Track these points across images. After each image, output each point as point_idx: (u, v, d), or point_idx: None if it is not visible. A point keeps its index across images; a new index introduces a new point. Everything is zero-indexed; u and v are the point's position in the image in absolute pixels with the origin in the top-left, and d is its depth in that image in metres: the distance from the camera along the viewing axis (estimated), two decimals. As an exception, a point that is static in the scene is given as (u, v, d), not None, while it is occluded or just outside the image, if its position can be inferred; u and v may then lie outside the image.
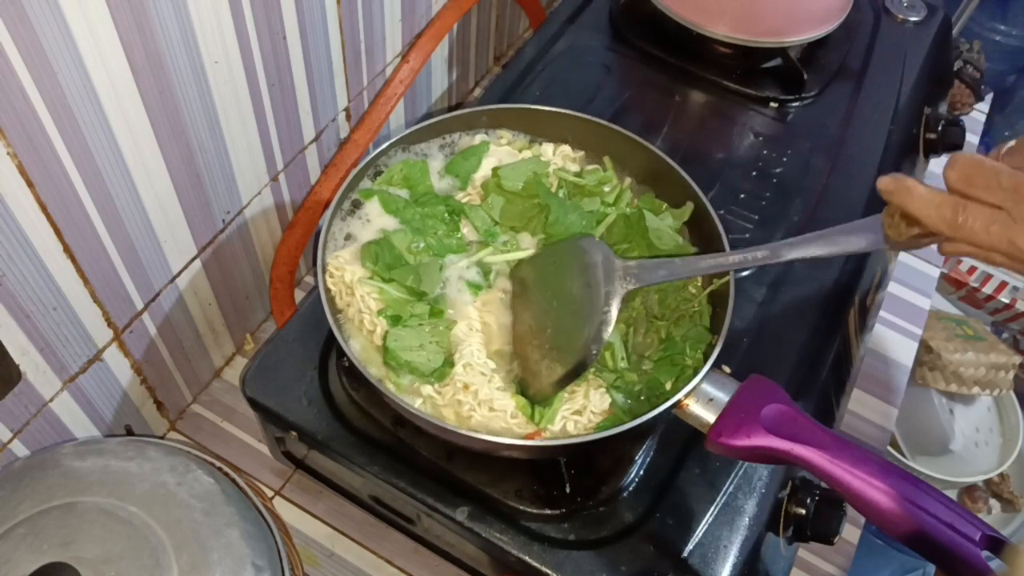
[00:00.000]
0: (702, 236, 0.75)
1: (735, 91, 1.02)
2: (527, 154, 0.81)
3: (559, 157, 0.81)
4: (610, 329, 0.63)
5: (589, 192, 0.78)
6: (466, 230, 0.76)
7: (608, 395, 0.66)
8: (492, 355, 0.69)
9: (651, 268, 0.66)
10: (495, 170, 0.77)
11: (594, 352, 0.63)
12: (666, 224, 0.75)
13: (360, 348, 0.69)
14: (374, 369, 0.68)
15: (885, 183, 0.55)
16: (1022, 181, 0.48)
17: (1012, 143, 0.52)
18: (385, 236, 0.72)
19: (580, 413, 0.66)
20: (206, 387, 0.93)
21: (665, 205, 0.77)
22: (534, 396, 0.65)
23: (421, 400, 0.67)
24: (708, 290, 0.72)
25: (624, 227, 0.75)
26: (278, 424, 0.74)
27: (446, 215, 0.75)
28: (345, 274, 0.70)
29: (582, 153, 0.82)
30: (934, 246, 0.56)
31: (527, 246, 0.75)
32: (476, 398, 0.65)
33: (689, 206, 0.75)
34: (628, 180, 0.80)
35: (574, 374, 0.63)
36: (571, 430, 0.66)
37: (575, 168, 0.81)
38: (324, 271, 0.70)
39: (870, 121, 1.01)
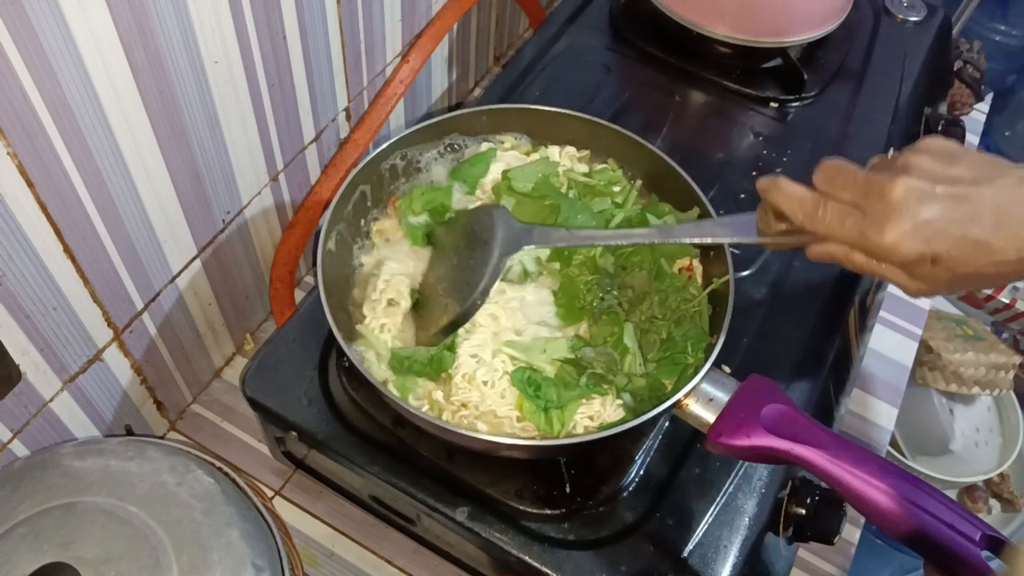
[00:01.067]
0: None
1: (735, 91, 1.02)
2: (534, 157, 0.81)
3: (566, 158, 0.81)
4: (496, 283, 0.66)
5: (599, 192, 0.78)
6: None
7: (620, 410, 0.67)
8: (500, 349, 0.69)
9: (547, 233, 0.70)
10: (505, 173, 0.77)
11: (478, 303, 0.65)
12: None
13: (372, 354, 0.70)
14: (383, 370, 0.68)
15: (762, 183, 0.59)
16: (874, 180, 0.53)
17: (876, 159, 0.57)
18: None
19: (593, 419, 0.66)
20: (206, 387, 0.93)
21: (669, 208, 0.77)
22: (421, 340, 0.68)
23: (427, 407, 0.67)
24: (708, 290, 0.72)
25: (628, 228, 0.75)
26: (278, 424, 0.74)
27: None
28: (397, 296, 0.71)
29: (587, 152, 0.82)
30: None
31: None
32: (478, 411, 0.66)
33: (695, 211, 0.75)
34: (639, 181, 0.80)
35: (457, 323, 0.66)
36: (581, 432, 0.66)
37: (583, 168, 0.81)
38: (326, 275, 0.70)
39: (870, 121, 1.01)
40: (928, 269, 0.52)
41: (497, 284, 0.70)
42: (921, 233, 0.51)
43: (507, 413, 0.66)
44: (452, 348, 0.68)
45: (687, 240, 0.69)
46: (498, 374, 0.67)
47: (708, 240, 0.68)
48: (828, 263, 0.58)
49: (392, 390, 0.67)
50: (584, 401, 0.66)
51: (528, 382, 0.66)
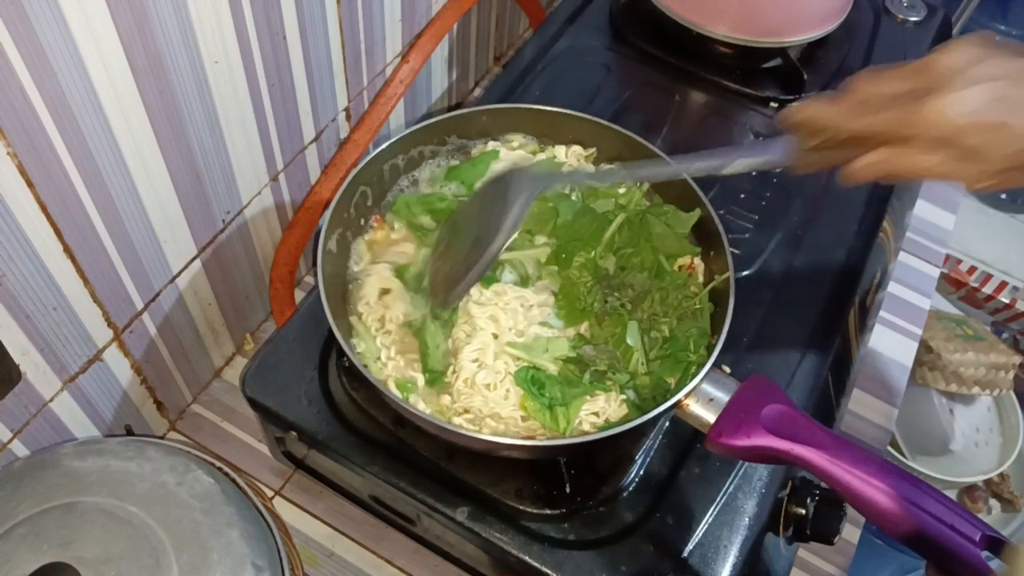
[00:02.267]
0: (703, 236, 0.75)
1: (735, 91, 1.02)
2: (540, 157, 0.81)
3: (572, 158, 0.81)
4: (518, 224, 0.63)
5: (603, 194, 0.78)
6: None
7: (624, 406, 0.67)
8: (503, 350, 0.69)
9: (550, 175, 0.69)
10: None
11: (502, 243, 0.63)
12: (668, 227, 0.75)
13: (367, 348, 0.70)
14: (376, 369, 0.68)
15: (784, 112, 0.58)
16: (914, 64, 0.52)
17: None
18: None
19: (598, 415, 0.66)
20: (206, 387, 0.93)
21: (672, 209, 0.77)
22: (434, 303, 0.67)
23: (431, 410, 0.68)
24: (709, 287, 0.72)
25: (628, 231, 0.75)
26: (278, 424, 0.74)
27: None
28: (387, 314, 0.71)
29: (593, 151, 0.82)
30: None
31: (546, 248, 0.75)
32: (481, 415, 0.66)
33: (696, 212, 0.75)
34: (645, 184, 0.80)
35: (472, 280, 0.64)
36: (587, 429, 0.66)
37: (589, 168, 0.81)
38: (326, 278, 0.71)
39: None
40: (990, 142, 0.49)
41: (498, 284, 0.70)
42: (967, 99, 0.49)
43: (511, 414, 0.66)
44: (451, 321, 0.69)
45: (712, 168, 0.63)
46: (500, 376, 0.67)
47: (738, 167, 0.62)
48: (870, 180, 0.55)
49: (393, 390, 0.67)
50: (588, 398, 0.66)
51: (532, 381, 0.66)
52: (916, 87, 0.51)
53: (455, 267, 0.67)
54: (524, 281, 0.73)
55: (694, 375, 0.64)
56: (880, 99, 0.52)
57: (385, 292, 0.72)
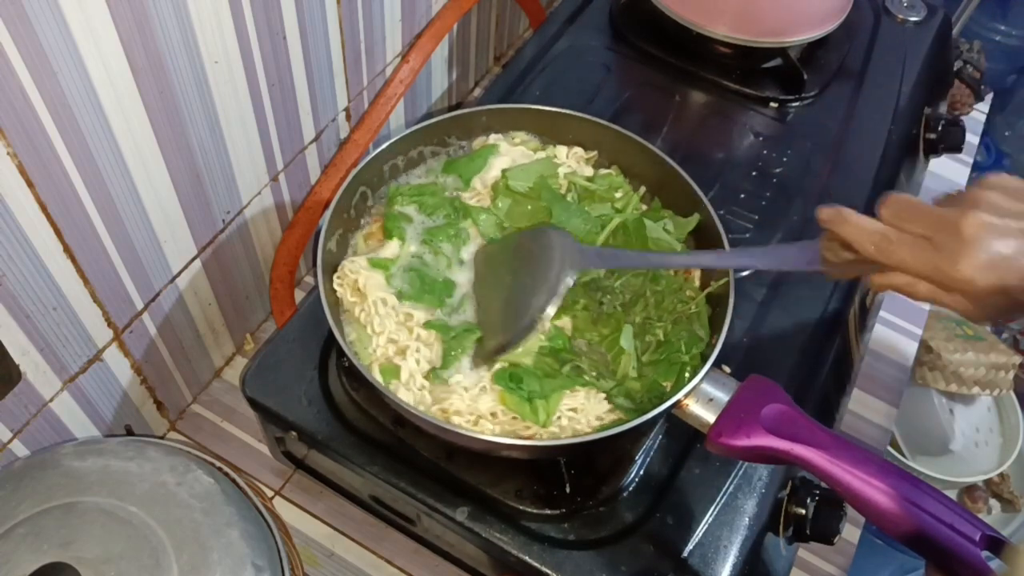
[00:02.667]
0: (703, 236, 0.75)
1: (735, 91, 1.02)
2: (541, 155, 0.81)
3: (572, 159, 0.81)
4: (557, 301, 0.64)
5: (599, 197, 0.77)
6: (473, 231, 0.76)
7: (603, 403, 0.67)
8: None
9: (604, 254, 0.70)
10: (504, 171, 0.77)
11: (537, 321, 0.64)
12: (666, 232, 0.74)
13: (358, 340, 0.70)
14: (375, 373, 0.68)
15: (825, 212, 0.59)
16: (945, 215, 0.54)
17: (942, 195, 0.57)
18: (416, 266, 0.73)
19: (576, 411, 0.66)
20: (206, 387, 0.93)
21: (669, 214, 0.77)
22: (479, 360, 0.68)
23: (416, 396, 0.67)
24: (706, 292, 0.72)
25: (624, 235, 0.75)
26: (278, 424, 0.74)
27: (452, 213, 0.76)
28: (359, 278, 0.70)
29: (595, 154, 0.82)
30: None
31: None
32: (462, 417, 0.66)
33: (695, 217, 0.75)
34: (642, 188, 0.80)
35: (514, 342, 0.65)
36: (564, 424, 0.66)
37: (589, 171, 0.81)
38: (326, 272, 0.70)
39: (870, 121, 1.01)
40: (996, 300, 0.53)
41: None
42: (995, 267, 0.52)
43: (491, 408, 0.66)
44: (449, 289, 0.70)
45: (754, 265, 0.69)
46: (473, 377, 0.67)
47: (771, 266, 0.69)
48: (889, 291, 0.58)
49: (376, 375, 0.67)
50: (568, 392, 0.66)
51: (509, 378, 0.66)
52: (940, 240, 0.54)
53: (491, 326, 0.68)
54: None
55: (690, 377, 0.64)
56: (912, 236, 0.55)
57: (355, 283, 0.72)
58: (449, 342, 0.68)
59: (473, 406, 0.66)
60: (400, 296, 0.71)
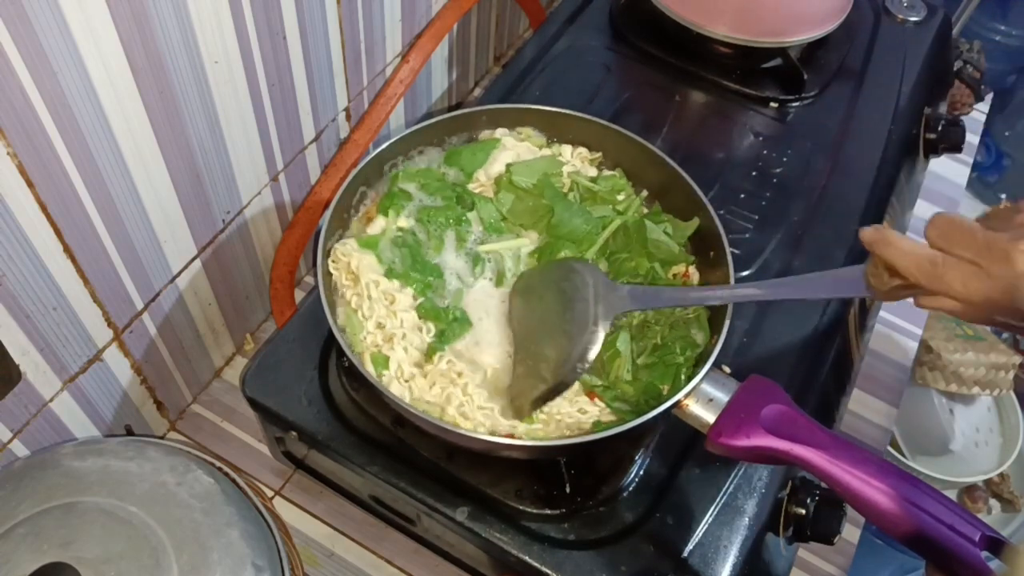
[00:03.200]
0: (702, 236, 0.75)
1: (735, 91, 1.02)
2: (546, 152, 0.81)
3: (577, 159, 0.81)
4: (596, 349, 0.62)
5: (601, 199, 0.77)
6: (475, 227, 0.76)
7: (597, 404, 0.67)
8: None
9: (642, 295, 0.67)
10: (509, 166, 0.77)
11: (578, 371, 0.62)
12: (666, 235, 0.74)
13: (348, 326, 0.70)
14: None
15: (868, 234, 0.57)
16: (995, 239, 0.51)
17: (990, 209, 0.56)
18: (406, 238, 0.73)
19: (570, 403, 0.66)
20: (206, 387, 0.93)
21: (669, 217, 0.77)
22: (515, 411, 0.66)
23: (407, 391, 0.67)
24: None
25: (624, 237, 0.75)
26: (278, 424, 0.74)
27: (454, 201, 0.76)
28: (352, 260, 0.70)
29: (599, 155, 0.82)
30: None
31: (529, 242, 0.75)
32: (465, 393, 0.65)
33: (695, 221, 0.75)
34: (644, 192, 0.80)
35: (555, 392, 0.63)
36: (558, 422, 0.66)
37: (592, 172, 0.81)
38: (326, 257, 0.71)
39: (870, 121, 1.01)
40: None
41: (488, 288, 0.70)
42: None
43: (489, 404, 0.66)
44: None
45: (799, 296, 0.67)
46: (473, 368, 0.67)
47: (823, 296, 0.69)
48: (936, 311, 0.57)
49: (368, 365, 0.67)
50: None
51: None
52: (995, 270, 0.52)
53: (529, 375, 0.66)
54: (499, 279, 0.73)
55: (688, 378, 0.64)
56: (957, 265, 0.53)
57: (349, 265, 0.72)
58: (448, 325, 0.68)
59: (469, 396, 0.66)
60: (390, 274, 0.70)
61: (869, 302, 0.95)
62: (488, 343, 0.70)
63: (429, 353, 0.67)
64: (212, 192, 0.78)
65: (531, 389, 0.64)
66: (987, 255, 0.52)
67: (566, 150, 0.82)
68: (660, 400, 0.64)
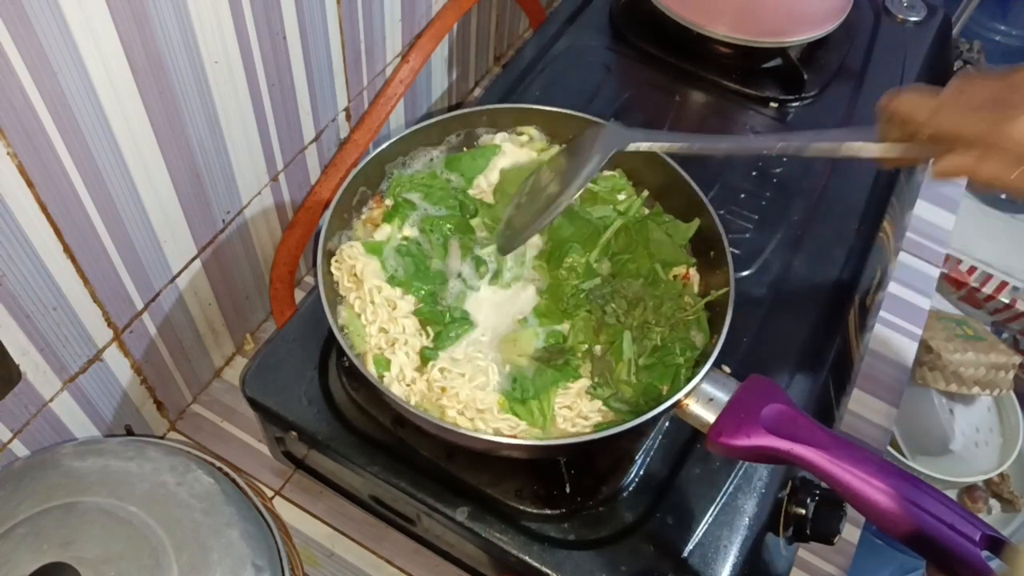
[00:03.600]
0: (702, 236, 0.75)
1: (735, 91, 1.02)
2: (545, 155, 0.81)
3: None
4: (590, 170, 0.65)
5: (601, 199, 0.77)
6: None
7: (598, 400, 0.67)
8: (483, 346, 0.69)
9: (647, 135, 0.69)
10: (503, 171, 0.77)
11: (574, 191, 0.65)
12: (668, 235, 0.75)
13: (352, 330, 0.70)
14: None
15: (883, 99, 0.59)
16: (1014, 76, 0.52)
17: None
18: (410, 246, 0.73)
19: (571, 408, 0.66)
20: (206, 387, 0.93)
21: (670, 218, 0.77)
22: (503, 244, 0.70)
23: (406, 391, 0.67)
24: (705, 300, 0.72)
25: (626, 237, 0.75)
26: (278, 424, 0.74)
27: (458, 210, 0.76)
28: (357, 264, 0.70)
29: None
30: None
31: (532, 244, 0.75)
32: (459, 401, 0.65)
33: (695, 222, 0.75)
34: (645, 192, 0.80)
35: (547, 219, 0.66)
36: (560, 425, 0.66)
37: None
38: (328, 258, 0.71)
39: (870, 121, 1.00)
40: None
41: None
42: None
43: (489, 404, 0.66)
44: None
45: (809, 144, 0.65)
46: (472, 369, 0.67)
47: (828, 152, 0.64)
48: (954, 178, 0.56)
49: (371, 368, 0.67)
50: (561, 391, 0.66)
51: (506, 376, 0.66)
52: (1007, 98, 0.52)
53: (524, 217, 0.69)
54: (498, 276, 0.73)
55: (687, 379, 0.64)
56: (972, 102, 0.53)
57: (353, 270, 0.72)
58: (445, 327, 0.68)
59: (471, 396, 0.66)
60: (392, 281, 0.71)
61: (869, 301, 0.95)
62: (493, 345, 0.70)
63: (423, 360, 0.67)
64: (212, 192, 0.78)
65: (518, 229, 0.68)
66: (1009, 87, 0.52)
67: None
68: (660, 400, 0.64)
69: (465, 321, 0.70)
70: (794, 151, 0.65)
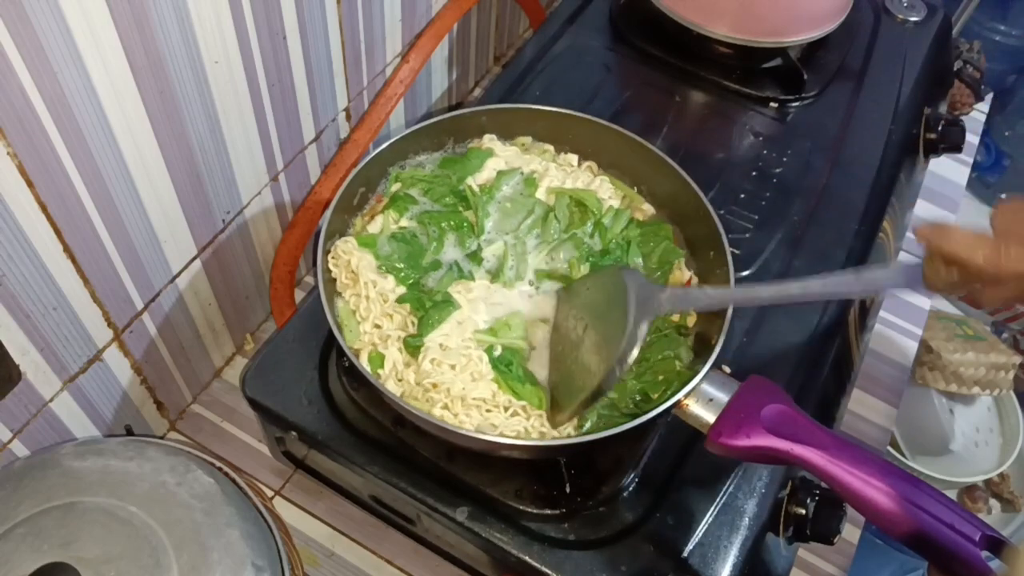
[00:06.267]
0: (702, 236, 0.75)
1: (735, 91, 1.02)
2: (539, 161, 0.81)
3: (566, 166, 0.81)
4: (635, 354, 0.62)
5: (591, 212, 0.77)
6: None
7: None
8: (468, 338, 0.69)
9: (682, 297, 0.68)
10: (500, 173, 0.78)
11: (617, 375, 0.62)
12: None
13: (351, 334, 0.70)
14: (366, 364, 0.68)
15: (923, 230, 0.56)
16: None
17: None
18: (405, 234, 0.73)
19: None
20: (206, 387, 0.93)
21: (669, 230, 0.77)
22: (553, 421, 0.65)
23: (400, 389, 0.67)
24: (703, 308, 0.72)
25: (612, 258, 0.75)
26: (278, 424, 0.74)
27: (456, 204, 0.76)
28: (352, 259, 0.70)
29: (592, 164, 0.82)
30: None
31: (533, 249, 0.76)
32: (449, 395, 0.65)
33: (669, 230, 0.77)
34: (645, 205, 0.80)
35: (594, 398, 0.62)
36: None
37: (587, 177, 0.80)
38: (327, 256, 0.71)
39: (870, 121, 1.01)
40: None
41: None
42: None
43: (480, 395, 0.66)
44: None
45: (843, 293, 0.65)
46: (465, 358, 0.67)
47: (867, 293, 0.66)
48: (1002, 306, 0.57)
49: (364, 363, 0.67)
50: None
51: (500, 360, 0.66)
52: None
53: (570, 382, 0.65)
54: (497, 275, 0.73)
55: (679, 374, 0.64)
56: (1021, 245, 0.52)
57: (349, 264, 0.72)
58: (427, 312, 0.68)
59: (462, 391, 0.65)
60: (384, 266, 0.71)
61: (869, 301, 0.95)
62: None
63: (410, 350, 0.67)
64: (212, 192, 0.78)
65: (569, 399, 0.64)
66: None
67: (572, 158, 0.82)
68: (655, 402, 0.64)
69: (448, 304, 0.69)
70: (833, 297, 0.65)
